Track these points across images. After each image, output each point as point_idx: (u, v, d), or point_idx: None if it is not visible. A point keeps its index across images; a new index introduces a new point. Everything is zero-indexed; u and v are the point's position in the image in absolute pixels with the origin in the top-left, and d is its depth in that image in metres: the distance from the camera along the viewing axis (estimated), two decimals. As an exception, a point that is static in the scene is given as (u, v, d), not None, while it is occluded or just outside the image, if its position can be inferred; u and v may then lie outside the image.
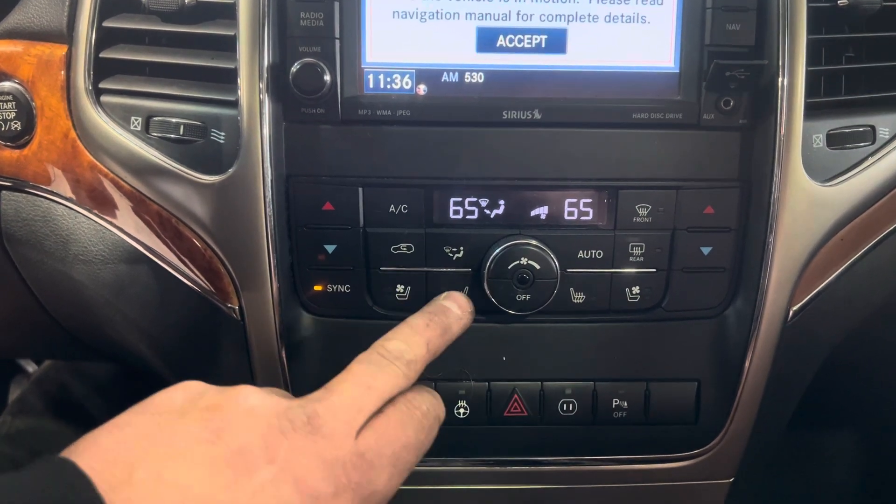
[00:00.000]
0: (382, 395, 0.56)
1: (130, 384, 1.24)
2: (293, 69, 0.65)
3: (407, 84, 0.69)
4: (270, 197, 0.67)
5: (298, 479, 0.49)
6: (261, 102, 0.66)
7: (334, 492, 0.51)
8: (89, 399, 1.24)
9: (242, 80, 0.66)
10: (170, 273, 0.73)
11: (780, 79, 0.68)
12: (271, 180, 0.67)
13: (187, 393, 0.53)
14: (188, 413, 0.50)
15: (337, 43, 0.67)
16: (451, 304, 0.67)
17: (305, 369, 0.73)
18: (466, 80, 0.69)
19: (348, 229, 0.70)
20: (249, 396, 0.52)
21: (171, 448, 0.48)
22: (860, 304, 0.79)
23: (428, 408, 0.59)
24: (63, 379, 1.25)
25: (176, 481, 0.46)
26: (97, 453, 0.46)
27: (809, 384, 0.82)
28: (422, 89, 0.69)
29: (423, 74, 0.69)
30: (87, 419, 1.16)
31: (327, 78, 0.66)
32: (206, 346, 0.75)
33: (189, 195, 0.69)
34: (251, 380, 0.73)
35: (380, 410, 0.56)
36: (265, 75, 0.66)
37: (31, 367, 1.51)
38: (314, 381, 0.72)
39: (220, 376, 0.75)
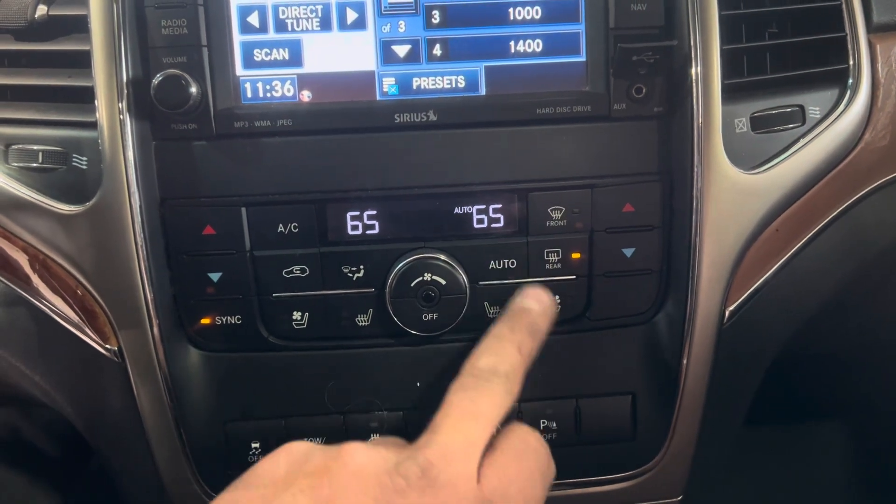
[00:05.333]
0: (491, 421, 0.52)
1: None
2: (154, 82, 0.59)
3: (289, 91, 0.64)
4: (140, 224, 0.61)
5: None
6: (122, 121, 0.60)
7: None
8: (41, 439, 1.19)
9: (100, 98, 0.60)
10: (47, 314, 0.66)
11: (692, 60, 0.62)
12: (140, 206, 0.61)
13: (290, 457, 0.49)
14: (294, 482, 0.47)
15: (205, 51, 0.61)
16: (529, 301, 0.62)
17: (198, 412, 0.66)
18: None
19: (234, 254, 0.64)
20: (356, 454, 0.48)
21: None
22: (806, 299, 0.73)
23: (538, 436, 0.55)
24: (13, 422, 1.21)
25: None
26: None
27: (796, 378, 0.76)
28: (305, 95, 0.63)
29: (307, 79, 0.63)
30: (40, 460, 1.11)
31: (193, 90, 0.60)
32: (92, 391, 0.69)
33: (53, 228, 0.63)
34: (140, 426, 0.66)
35: (491, 445, 0.51)
36: (125, 91, 0.60)
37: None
38: (209, 424, 0.67)
39: (111, 424, 0.69)
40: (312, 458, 0.49)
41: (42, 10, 0.63)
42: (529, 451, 0.54)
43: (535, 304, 0.62)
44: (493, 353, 0.56)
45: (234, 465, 0.67)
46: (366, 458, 0.48)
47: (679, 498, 0.74)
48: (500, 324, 0.60)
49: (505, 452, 0.52)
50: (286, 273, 0.65)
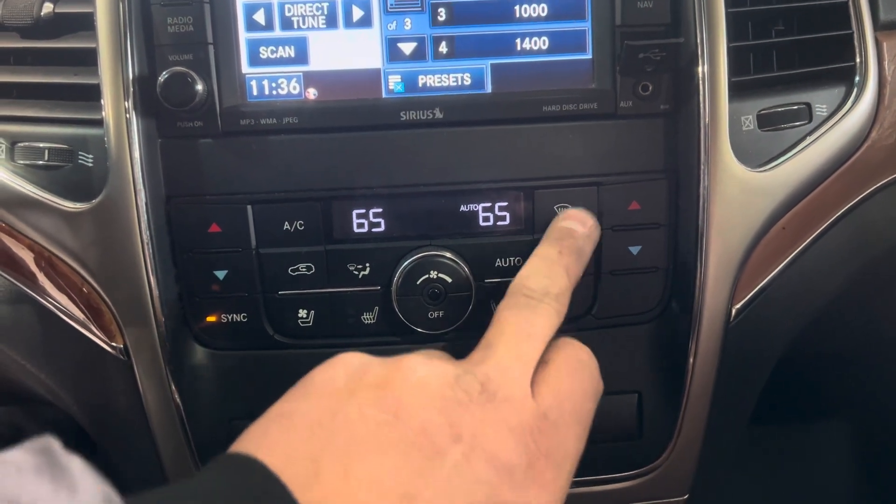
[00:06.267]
0: (544, 340, 0.52)
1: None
2: (160, 80, 0.59)
3: (295, 89, 0.63)
4: (146, 222, 0.61)
5: (490, 454, 0.45)
6: (128, 119, 0.60)
7: (528, 462, 0.46)
8: (44, 437, 1.20)
9: (106, 96, 0.60)
10: (52, 312, 0.66)
11: (699, 57, 0.62)
12: (146, 203, 0.61)
13: (348, 369, 0.48)
14: (356, 392, 0.46)
15: (210, 49, 0.61)
16: (572, 223, 0.62)
17: (204, 410, 0.66)
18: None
19: (239, 252, 0.64)
20: (417, 367, 0.48)
21: (351, 435, 0.43)
22: (813, 297, 0.73)
23: (588, 351, 0.56)
24: (16, 421, 1.21)
25: (365, 473, 0.41)
26: (276, 448, 0.41)
27: (798, 377, 0.76)
28: (311, 93, 0.63)
29: (313, 77, 0.63)
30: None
31: (200, 87, 0.60)
32: (98, 389, 0.69)
33: (59, 226, 0.63)
34: (146, 423, 0.66)
35: (542, 360, 0.52)
36: (131, 89, 0.60)
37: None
38: (215, 421, 0.67)
39: (117, 422, 0.69)
40: (371, 369, 0.48)
41: (48, 7, 0.63)
42: (581, 366, 0.54)
43: (580, 227, 0.62)
44: (545, 274, 0.57)
45: (239, 463, 0.67)
46: (427, 370, 0.48)
47: (685, 497, 0.74)
48: (547, 245, 0.60)
49: (559, 368, 0.52)
50: (292, 271, 0.65)
